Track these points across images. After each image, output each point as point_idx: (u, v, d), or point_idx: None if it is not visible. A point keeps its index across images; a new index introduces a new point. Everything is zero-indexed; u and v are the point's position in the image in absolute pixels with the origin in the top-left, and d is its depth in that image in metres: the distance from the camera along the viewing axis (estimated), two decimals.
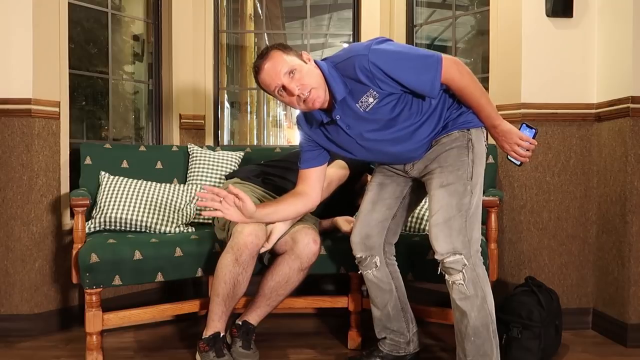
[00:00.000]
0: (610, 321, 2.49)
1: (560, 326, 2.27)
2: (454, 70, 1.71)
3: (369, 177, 2.57)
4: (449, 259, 1.74)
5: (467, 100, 1.78)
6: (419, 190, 2.01)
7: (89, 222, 2.42)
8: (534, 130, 1.80)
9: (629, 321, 2.38)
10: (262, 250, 2.08)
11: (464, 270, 1.73)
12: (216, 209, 1.85)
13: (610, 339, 2.48)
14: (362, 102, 1.74)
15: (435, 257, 1.77)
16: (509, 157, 1.82)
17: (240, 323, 2.17)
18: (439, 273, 1.79)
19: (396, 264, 2.11)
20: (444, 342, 2.45)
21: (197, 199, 1.74)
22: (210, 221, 2.56)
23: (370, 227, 2.01)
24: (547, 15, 2.55)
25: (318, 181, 1.96)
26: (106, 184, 2.53)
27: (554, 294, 2.28)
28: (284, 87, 1.74)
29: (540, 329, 2.12)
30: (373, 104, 1.73)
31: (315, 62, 1.78)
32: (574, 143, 2.61)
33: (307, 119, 1.91)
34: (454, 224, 1.74)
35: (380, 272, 2.04)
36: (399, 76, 1.69)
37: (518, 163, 1.82)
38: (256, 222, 2.06)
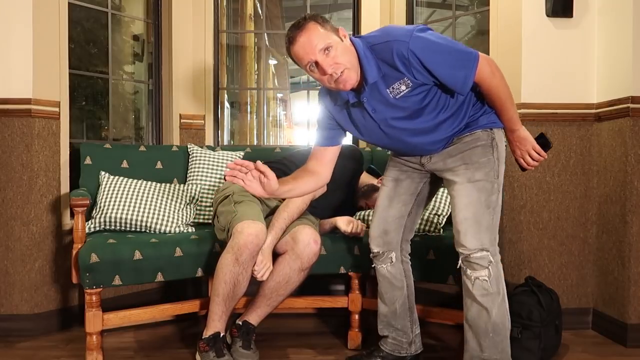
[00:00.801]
0: (610, 321, 2.49)
1: (560, 326, 2.27)
2: (487, 69, 1.69)
3: (368, 176, 2.57)
4: (476, 254, 1.74)
5: (493, 100, 1.77)
6: (432, 186, 2.02)
7: (89, 222, 2.42)
8: (549, 144, 1.83)
9: (629, 321, 2.38)
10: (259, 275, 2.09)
11: (490, 267, 1.74)
12: (239, 178, 1.67)
13: (610, 339, 2.48)
14: (393, 88, 1.71)
15: (461, 251, 1.77)
16: (517, 160, 1.87)
17: (240, 323, 2.17)
18: (458, 267, 1.80)
19: (410, 262, 2.11)
20: (444, 342, 2.45)
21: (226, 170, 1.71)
22: (210, 221, 2.56)
23: (387, 223, 2.01)
24: (547, 15, 2.55)
25: (331, 161, 1.92)
26: (106, 184, 2.53)
27: (554, 294, 2.28)
28: (316, 64, 1.67)
29: (540, 329, 2.12)
30: (404, 92, 1.70)
31: (351, 39, 1.72)
32: (574, 143, 2.61)
33: (332, 96, 1.86)
34: (482, 220, 1.75)
35: (394, 268, 2.04)
36: (435, 68, 1.66)
37: (523, 170, 1.87)
38: (257, 220, 2.06)
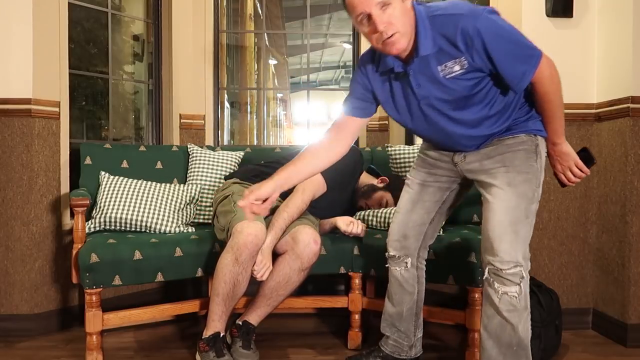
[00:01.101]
0: (610, 321, 2.49)
1: (560, 326, 2.27)
2: (547, 72, 1.59)
3: (368, 176, 2.57)
4: (509, 271, 1.62)
5: (543, 106, 1.66)
6: (458, 194, 1.93)
7: (89, 222, 2.42)
8: (592, 160, 1.73)
9: (629, 321, 2.39)
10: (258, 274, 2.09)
11: (521, 284, 1.63)
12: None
13: (610, 339, 2.48)
14: (446, 66, 1.59)
15: (493, 262, 1.64)
16: (556, 175, 1.78)
17: (240, 323, 2.17)
18: (484, 277, 1.68)
19: (425, 269, 2.04)
20: (444, 342, 2.45)
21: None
22: (210, 221, 2.56)
23: (408, 228, 1.94)
24: (547, 15, 2.55)
25: (354, 133, 1.82)
26: (106, 184, 2.53)
27: (554, 294, 2.28)
28: (369, 17, 1.54)
29: (540, 329, 2.12)
30: (457, 73, 1.58)
31: (413, 4, 1.60)
32: (574, 143, 2.57)
33: (375, 61, 1.72)
34: (520, 229, 1.63)
35: (408, 273, 1.98)
36: (497, 55, 1.54)
37: (562, 185, 1.78)
38: (257, 220, 2.06)
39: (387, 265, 2.02)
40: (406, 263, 1.97)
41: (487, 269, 1.67)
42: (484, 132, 1.70)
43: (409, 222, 1.94)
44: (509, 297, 1.64)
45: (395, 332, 2.05)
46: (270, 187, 1.69)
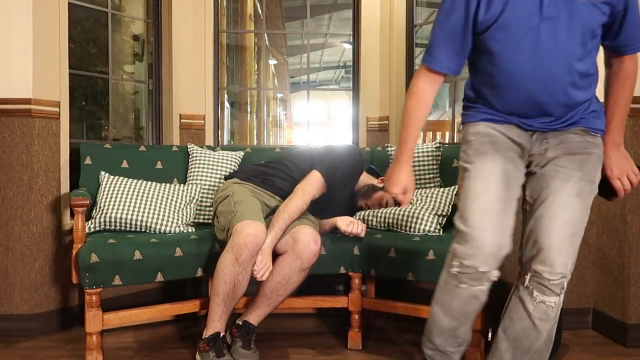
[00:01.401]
0: (610, 321, 2.49)
1: (560, 326, 2.26)
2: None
3: (368, 176, 2.57)
4: (556, 281, 1.53)
5: (619, 94, 1.59)
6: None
7: (89, 222, 2.42)
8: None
9: (629, 321, 2.39)
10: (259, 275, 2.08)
11: (561, 295, 1.56)
12: None
13: (610, 339, 2.48)
14: None
15: (543, 272, 1.53)
16: (604, 188, 1.62)
17: (240, 323, 2.17)
18: (525, 285, 1.58)
19: None
20: None
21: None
22: (210, 221, 2.56)
23: (505, 237, 1.56)
24: None
25: (436, 93, 1.67)
26: (106, 184, 2.53)
27: None
28: None
29: None
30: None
31: None
32: None
33: None
34: (574, 242, 1.55)
35: (488, 285, 1.63)
36: (632, 6, 1.48)
37: (612, 197, 1.64)
38: (257, 220, 2.06)
39: (462, 286, 1.59)
40: (489, 278, 1.59)
41: (529, 275, 1.57)
42: (576, 95, 1.53)
43: (504, 229, 1.56)
44: (545, 306, 1.57)
45: (454, 342, 1.72)
46: (410, 174, 1.65)
